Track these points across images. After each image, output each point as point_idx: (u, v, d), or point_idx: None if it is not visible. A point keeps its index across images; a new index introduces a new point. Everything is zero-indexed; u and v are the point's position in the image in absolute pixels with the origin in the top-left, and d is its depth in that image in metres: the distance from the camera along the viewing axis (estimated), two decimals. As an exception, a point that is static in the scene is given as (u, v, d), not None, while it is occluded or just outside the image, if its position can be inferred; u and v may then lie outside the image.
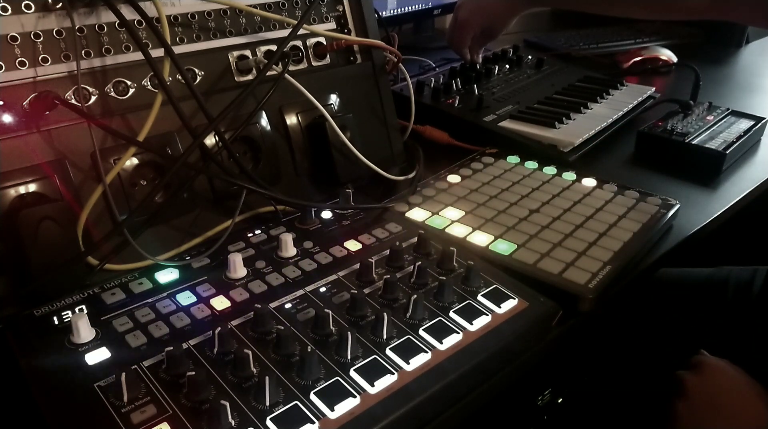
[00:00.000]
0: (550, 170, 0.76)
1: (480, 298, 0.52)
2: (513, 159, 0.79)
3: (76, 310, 0.48)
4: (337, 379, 0.43)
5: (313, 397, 0.41)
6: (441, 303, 0.51)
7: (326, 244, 0.58)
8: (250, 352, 0.43)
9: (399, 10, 1.23)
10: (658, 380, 0.74)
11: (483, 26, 0.99)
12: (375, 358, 0.45)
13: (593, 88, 0.99)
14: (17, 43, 0.52)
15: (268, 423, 0.40)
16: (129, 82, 0.58)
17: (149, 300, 0.50)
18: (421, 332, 0.48)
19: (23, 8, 0.53)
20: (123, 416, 0.39)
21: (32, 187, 0.52)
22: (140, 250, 0.53)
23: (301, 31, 0.67)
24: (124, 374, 0.40)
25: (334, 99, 0.72)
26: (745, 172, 0.82)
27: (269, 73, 0.64)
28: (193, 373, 0.41)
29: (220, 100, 0.61)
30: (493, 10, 0.97)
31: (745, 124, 0.90)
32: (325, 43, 0.72)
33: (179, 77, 0.59)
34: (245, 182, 0.59)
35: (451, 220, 0.65)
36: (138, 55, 0.58)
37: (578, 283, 0.56)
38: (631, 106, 0.94)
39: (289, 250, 0.56)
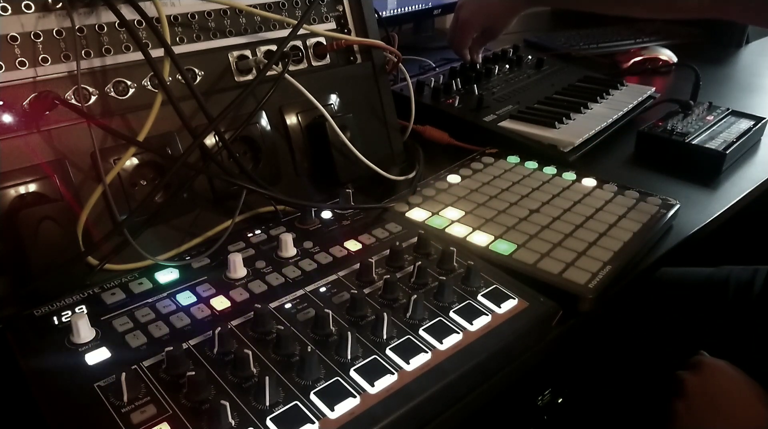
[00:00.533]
0: (550, 170, 0.76)
1: (480, 298, 0.52)
2: (513, 159, 0.79)
3: (76, 310, 0.48)
4: (337, 379, 0.43)
5: (313, 397, 0.41)
6: (441, 303, 0.51)
7: (326, 244, 0.58)
8: (250, 352, 0.43)
9: (399, 10, 1.23)
10: (657, 380, 0.74)
11: (484, 27, 0.99)
12: (375, 358, 0.45)
13: (593, 88, 0.99)
14: (17, 43, 0.52)
15: (268, 423, 0.40)
16: (129, 82, 0.58)
17: (149, 300, 0.50)
18: (421, 332, 0.48)
19: (23, 8, 0.53)
20: (123, 416, 0.39)
21: (32, 187, 0.52)
22: (140, 250, 0.53)
23: (301, 31, 0.67)
24: (124, 374, 0.40)
25: (334, 99, 0.73)
26: (745, 172, 0.82)
27: (269, 73, 0.64)
28: (193, 373, 0.41)
29: (220, 100, 0.61)
30: (493, 10, 0.97)
31: (745, 124, 0.90)
32: (325, 43, 0.72)
33: (179, 77, 0.59)
34: (245, 182, 0.59)
35: (451, 220, 0.65)
36: (138, 55, 0.58)
37: (578, 283, 0.56)
38: (631, 106, 0.94)
39: (289, 250, 0.56)
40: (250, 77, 0.66)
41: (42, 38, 0.53)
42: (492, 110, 0.89)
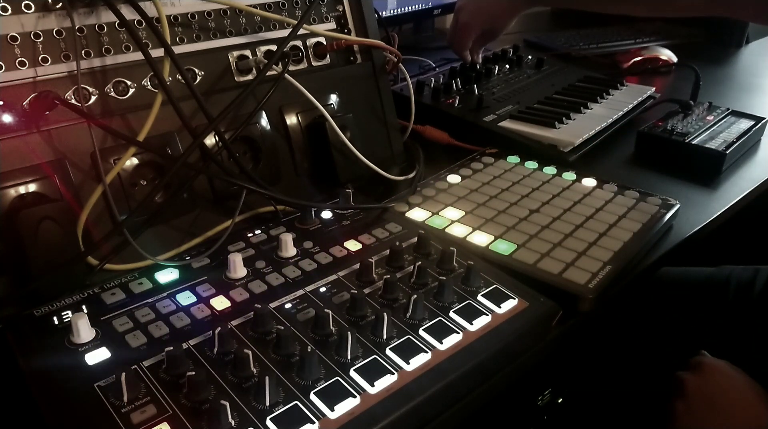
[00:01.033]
0: (550, 170, 0.76)
1: (480, 298, 0.52)
2: (513, 159, 0.79)
3: (76, 310, 0.48)
4: (337, 379, 0.43)
5: (313, 397, 0.41)
6: (441, 303, 0.51)
7: (326, 244, 0.58)
8: (250, 352, 0.43)
9: (399, 10, 1.23)
10: (657, 380, 0.74)
11: (484, 28, 0.99)
12: (375, 358, 0.45)
13: (593, 88, 0.99)
14: (17, 43, 0.52)
15: (268, 423, 0.40)
16: (129, 82, 0.58)
17: (149, 300, 0.50)
18: (421, 332, 0.48)
19: (23, 8, 0.53)
20: (123, 416, 0.39)
21: (32, 187, 0.52)
22: (140, 250, 0.53)
23: (301, 31, 0.67)
24: (124, 374, 0.40)
25: (334, 99, 0.73)
26: (745, 172, 0.82)
27: (269, 73, 0.64)
28: (193, 373, 0.41)
29: (220, 100, 0.61)
30: (493, 11, 0.97)
31: (745, 124, 0.90)
32: (325, 43, 0.72)
33: (179, 77, 0.59)
34: (245, 182, 0.59)
35: (451, 220, 0.65)
36: (138, 55, 0.58)
37: (578, 283, 0.56)
38: (631, 106, 0.94)
39: (289, 250, 0.56)
40: (250, 77, 0.66)
41: (42, 38, 0.53)
42: (492, 110, 0.89)
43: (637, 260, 0.62)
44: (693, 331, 0.81)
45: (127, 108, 0.58)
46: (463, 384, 0.46)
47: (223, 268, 0.54)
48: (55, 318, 0.47)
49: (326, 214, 0.63)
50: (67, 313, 0.48)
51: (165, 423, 0.39)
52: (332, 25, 0.74)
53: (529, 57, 1.11)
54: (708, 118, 0.90)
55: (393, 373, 0.44)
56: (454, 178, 0.74)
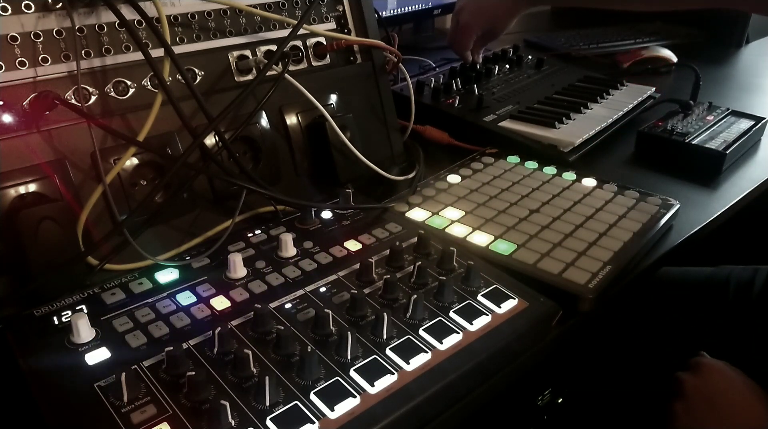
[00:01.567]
0: (550, 170, 0.76)
1: (480, 298, 0.52)
2: (513, 159, 0.79)
3: (76, 310, 0.48)
4: (337, 379, 0.43)
5: (313, 397, 0.41)
6: (441, 303, 0.51)
7: (326, 244, 0.58)
8: (250, 352, 0.43)
9: (399, 10, 1.23)
10: (657, 380, 0.74)
11: (484, 28, 0.99)
12: (375, 358, 0.45)
13: (593, 88, 0.99)
14: (17, 43, 0.52)
15: (268, 423, 0.40)
16: (129, 82, 0.58)
17: (149, 300, 0.50)
18: (421, 332, 0.48)
19: (23, 8, 0.53)
20: (123, 416, 0.39)
21: (32, 187, 0.52)
22: (140, 250, 0.53)
23: (301, 31, 0.67)
24: (124, 374, 0.40)
25: (334, 99, 0.73)
26: (745, 172, 0.82)
27: (269, 73, 0.64)
28: (193, 373, 0.41)
29: (220, 100, 0.61)
30: (494, 11, 0.97)
31: (745, 124, 0.90)
32: (325, 43, 0.72)
33: (179, 77, 0.59)
34: (245, 182, 0.59)
35: (451, 220, 0.65)
36: (138, 55, 0.58)
37: (578, 283, 0.56)
38: (631, 106, 0.94)
39: (289, 250, 0.56)
40: (250, 77, 0.66)
41: (42, 38, 0.53)
42: (492, 110, 0.89)
43: (637, 260, 0.62)
44: (693, 331, 0.81)
45: (127, 108, 0.58)
46: (463, 384, 0.46)
47: (223, 268, 0.54)
48: (55, 318, 0.47)
49: (326, 214, 0.63)
50: (67, 313, 0.48)
51: (165, 423, 0.39)
52: (332, 25, 0.74)
53: (529, 57, 1.11)
54: (708, 118, 0.90)
55: (393, 373, 0.44)
56: (454, 178, 0.74)
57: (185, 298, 0.50)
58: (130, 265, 0.55)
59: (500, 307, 0.51)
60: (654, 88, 1.02)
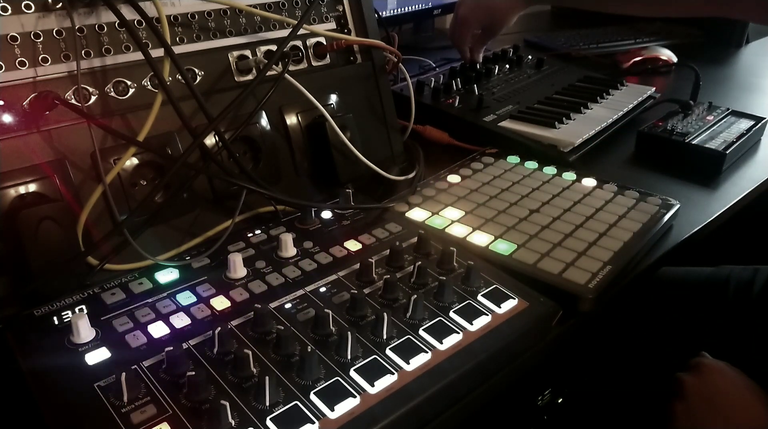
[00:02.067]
0: (550, 170, 0.76)
1: (480, 298, 0.52)
2: (513, 159, 0.79)
3: (76, 310, 0.48)
4: (337, 379, 0.43)
5: (313, 397, 0.41)
6: (441, 303, 0.51)
7: (326, 244, 0.58)
8: (250, 352, 0.43)
9: (399, 10, 1.23)
10: (657, 380, 0.74)
11: (483, 24, 0.99)
12: (375, 358, 0.45)
13: (593, 88, 0.99)
14: (17, 43, 0.52)
15: (268, 423, 0.40)
16: (129, 82, 0.58)
17: (149, 300, 0.50)
18: (421, 332, 0.48)
19: (23, 8, 0.53)
20: (123, 416, 0.39)
21: (32, 187, 0.52)
22: (140, 250, 0.53)
23: (301, 31, 0.67)
24: (124, 374, 0.40)
25: (334, 99, 0.72)
26: (745, 172, 0.82)
27: (269, 73, 0.64)
28: (193, 373, 0.41)
29: (220, 100, 0.61)
30: (492, 7, 0.97)
31: (745, 124, 0.90)
32: (325, 43, 0.72)
33: (179, 77, 0.59)
34: (245, 182, 0.59)
35: (451, 220, 0.65)
36: (138, 55, 0.58)
37: (578, 283, 0.56)
38: (631, 106, 0.94)
39: (289, 250, 0.56)
40: (250, 77, 0.66)
41: (42, 38, 0.53)
42: (492, 110, 0.89)
43: (637, 260, 0.62)
44: (693, 331, 0.81)
45: (127, 108, 0.58)
46: (463, 384, 0.46)
47: (223, 268, 0.54)
48: (55, 318, 0.47)
49: (326, 214, 0.63)
50: (67, 313, 0.48)
51: (165, 423, 0.39)
52: (332, 25, 0.74)
53: (529, 57, 1.11)
54: (708, 118, 0.90)
55: (393, 373, 0.44)
56: (454, 178, 0.74)
57: (185, 298, 0.50)
58: (130, 265, 0.55)
59: (500, 307, 0.51)
60: (654, 88, 1.02)
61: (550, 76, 1.06)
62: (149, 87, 0.59)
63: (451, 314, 0.50)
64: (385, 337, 0.47)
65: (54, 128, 0.53)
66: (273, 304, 0.50)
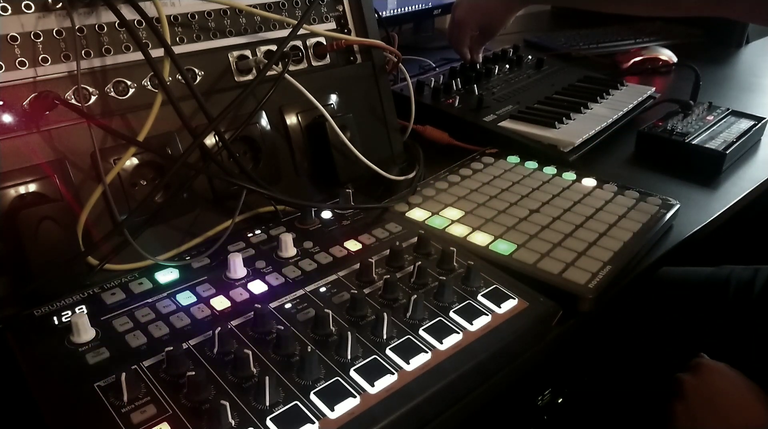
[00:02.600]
0: (550, 170, 0.76)
1: (480, 298, 0.52)
2: (513, 159, 0.79)
3: (76, 310, 0.48)
4: (337, 379, 0.43)
5: (313, 397, 0.41)
6: (441, 303, 0.51)
7: (326, 244, 0.58)
8: (250, 352, 0.43)
9: (399, 10, 1.23)
10: (657, 381, 0.74)
11: (480, 25, 0.99)
12: (375, 358, 0.45)
13: (593, 88, 0.99)
14: (17, 43, 0.52)
15: (268, 423, 0.40)
16: (129, 82, 0.58)
17: (149, 300, 0.50)
18: (421, 332, 0.48)
19: (23, 8, 0.53)
20: (123, 416, 0.39)
21: (32, 187, 0.52)
22: (140, 250, 0.53)
23: (301, 31, 0.67)
24: (124, 374, 0.40)
25: (334, 99, 0.72)
26: (745, 172, 0.82)
27: (269, 73, 0.64)
28: (193, 373, 0.41)
29: (220, 100, 0.61)
30: (489, 8, 0.97)
31: (745, 124, 0.90)
32: (325, 43, 0.72)
33: (179, 77, 0.59)
34: (245, 182, 0.59)
35: (451, 220, 0.65)
36: (138, 55, 0.58)
37: (578, 283, 0.56)
38: (631, 106, 0.94)
39: (289, 250, 0.56)
40: (250, 77, 0.66)
41: (42, 38, 0.53)
42: (492, 110, 0.89)
43: (637, 260, 0.62)
44: (693, 331, 0.81)
45: (127, 108, 0.58)
46: (463, 384, 0.46)
47: (223, 268, 0.54)
48: (55, 318, 0.47)
49: (326, 214, 0.63)
50: (67, 313, 0.48)
51: (165, 423, 0.39)
52: (332, 25, 0.74)
53: (529, 57, 1.11)
54: (708, 118, 0.90)
55: (393, 373, 0.44)
56: (454, 178, 0.74)
57: (185, 298, 0.50)
58: (130, 265, 0.55)
59: (500, 307, 0.51)
60: (654, 88, 1.02)
61: (550, 76, 1.06)
62: (149, 87, 0.59)
63: (451, 314, 0.50)
64: (385, 337, 0.47)
65: (54, 128, 0.53)
66: (273, 304, 0.50)
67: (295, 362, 0.44)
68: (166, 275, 0.53)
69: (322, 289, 0.52)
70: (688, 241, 0.68)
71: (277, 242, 0.57)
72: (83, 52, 0.56)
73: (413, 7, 1.26)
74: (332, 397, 0.41)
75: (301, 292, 0.52)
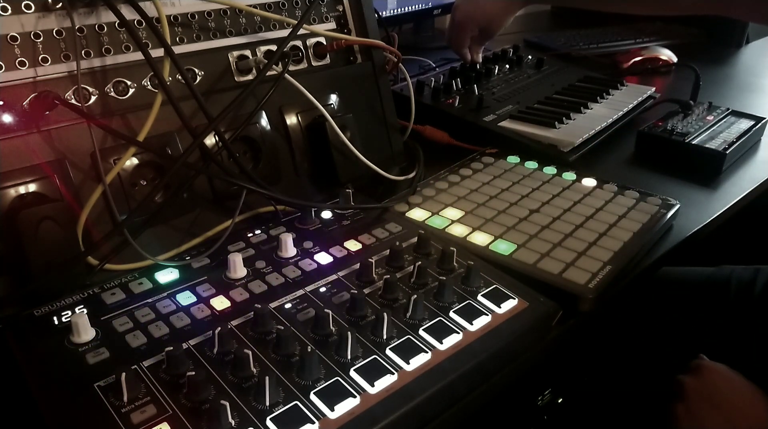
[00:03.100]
0: (550, 170, 0.76)
1: (480, 298, 0.52)
2: (513, 159, 0.79)
3: (76, 310, 0.48)
4: (337, 379, 0.43)
5: (313, 397, 0.41)
6: (441, 303, 0.51)
7: (326, 244, 0.58)
8: (250, 352, 0.43)
9: (399, 10, 1.23)
10: (658, 381, 0.74)
11: (480, 26, 0.99)
12: (375, 358, 0.45)
13: (593, 88, 0.99)
14: (17, 43, 0.52)
15: (268, 423, 0.40)
16: (129, 82, 0.58)
17: (149, 300, 0.50)
18: (421, 332, 0.48)
19: (23, 8, 0.53)
20: (123, 416, 0.39)
21: (32, 187, 0.52)
22: (140, 250, 0.53)
23: (301, 31, 0.67)
24: (124, 374, 0.40)
25: (334, 99, 0.72)
26: (745, 172, 0.82)
27: (269, 73, 0.64)
28: (193, 373, 0.41)
29: (220, 100, 0.61)
30: (488, 9, 0.97)
31: (745, 124, 0.90)
32: (325, 43, 0.72)
33: (179, 77, 0.59)
34: (245, 182, 0.59)
35: (451, 220, 0.65)
36: (138, 55, 0.58)
37: (578, 283, 0.56)
38: (631, 106, 0.94)
39: (289, 250, 0.56)
40: (250, 77, 0.66)
41: (42, 38, 0.53)
42: (492, 110, 0.89)
43: (637, 260, 0.62)
44: (693, 331, 0.81)
45: (127, 108, 0.58)
46: (463, 384, 0.46)
47: (223, 268, 0.54)
48: (55, 318, 0.47)
49: (326, 214, 0.63)
50: (67, 313, 0.48)
51: (165, 423, 0.39)
52: (332, 25, 0.74)
53: (529, 57, 1.11)
54: (708, 118, 0.90)
55: (393, 373, 0.44)
56: (454, 178, 0.74)
57: (185, 298, 0.50)
58: (130, 265, 0.55)
59: (500, 307, 0.51)
60: (654, 88, 1.02)
61: (550, 76, 1.06)
62: (149, 87, 0.59)
63: (451, 314, 0.50)
64: (385, 337, 0.47)
65: (54, 128, 0.53)
66: (273, 304, 0.50)
67: (295, 362, 0.44)
68: (166, 275, 0.53)
69: (322, 289, 0.52)
70: (688, 241, 0.68)
71: (277, 242, 0.57)
72: (83, 52, 0.56)
73: (413, 7, 1.26)
74: (332, 397, 0.41)
75: (301, 292, 0.52)
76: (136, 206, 0.55)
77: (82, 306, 0.49)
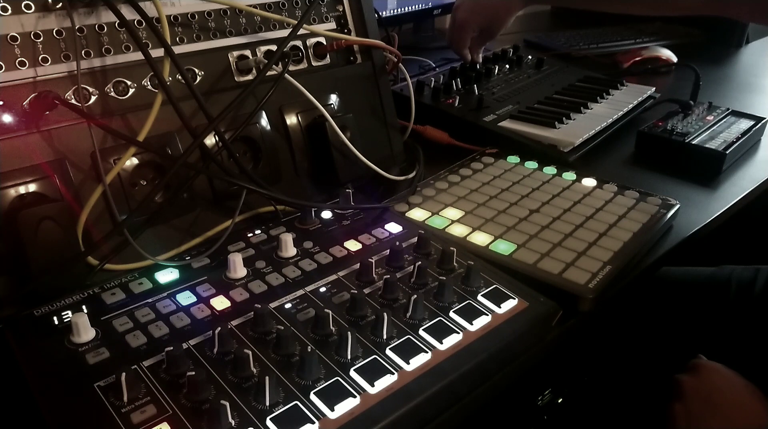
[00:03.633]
0: (550, 170, 0.76)
1: (480, 298, 0.52)
2: (513, 159, 0.79)
3: (76, 310, 0.48)
4: (337, 379, 0.43)
5: (313, 397, 0.41)
6: (441, 303, 0.51)
7: (326, 244, 0.58)
8: (250, 352, 0.43)
9: (399, 10, 1.23)
10: (657, 381, 0.74)
11: (481, 26, 0.99)
12: (375, 358, 0.45)
13: (593, 88, 0.99)
14: (17, 43, 0.52)
15: (268, 423, 0.40)
16: (129, 82, 0.58)
17: (149, 300, 0.50)
18: (421, 332, 0.48)
19: (23, 8, 0.53)
20: (123, 416, 0.39)
21: (32, 187, 0.52)
22: (140, 250, 0.53)
23: (301, 31, 0.67)
24: (124, 374, 0.40)
25: (334, 99, 0.72)
26: (745, 171, 0.82)
27: (269, 73, 0.64)
28: (193, 373, 0.41)
29: (220, 100, 0.61)
30: (490, 9, 0.97)
31: (745, 124, 0.90)
32: (325, 43, 0.72)
33: (179, 77, 0.59)
34: (245, 182, 0.59)
35: (451, 220, 0.65)
36: (138, 55, 0.58)
37: (578, 283, 0.56)
38: (631, 106, 0.94)
39: (289, 250, 0.56)
40: (250, 77, 0.66)
41: (42, 38, 0.53)
42: (492, 110, 0.89)
43: (637, 260, 0.62)
44: (694, 331, 0.81)
45: (127, 108, 0.58)
46: (463, 384, 0.46)
47: (223, 268, 0.54)
48: (55, 318, 0.47)
49: (326, 214, 0.63)
50: (67, 313, 0.48)
51: (165, 423, 0.39)
52: (332, 25, 0.74)
53: (529, 57, 1.11)
54: (708, 118, 0.90)
55: (393, 373, 0.44)
56: (454, 178, 0.74)
57: (185, 298, 0.50)
58: (130, 265, 0.55)
59: (500, 307, 0.51)
60: (654, 88, 1.02)
61: (550, 76, 1.06)
62: (149, 87, 0.59)
63: (451, 314, 0.50)
64: (385, 337, 0.47)
65: (54, 128, 0.53)
66: (273, 304, 0.50)
67: (295, 362, 0.44)
68: (166, 275, 0.53)
69: (322, 289, 0.52)
70: (688, 241, 0.68)
71: (277, 242, 0.57)
72: (83, 52, 0.56)
73: (413, 7, 1.26)
74: (332, 397, 0.41)
75: (301, 292, 0.52)
76: (136, 206, 0.55)
77: (82, 306, 0.49)
